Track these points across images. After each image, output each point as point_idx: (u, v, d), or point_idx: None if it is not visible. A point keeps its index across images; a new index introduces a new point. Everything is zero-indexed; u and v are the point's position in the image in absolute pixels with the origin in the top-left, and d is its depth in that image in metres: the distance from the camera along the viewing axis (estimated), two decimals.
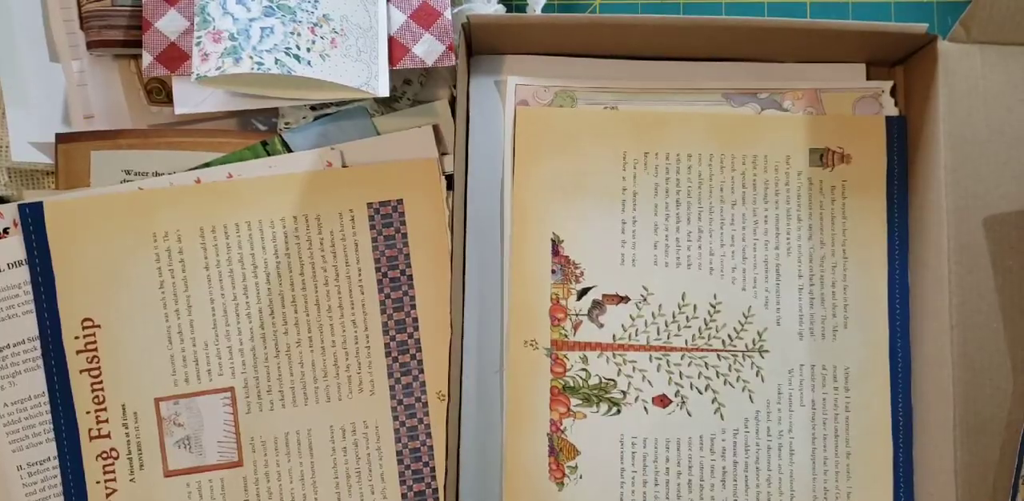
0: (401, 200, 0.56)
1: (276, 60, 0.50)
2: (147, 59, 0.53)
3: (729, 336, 0.55)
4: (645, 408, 0.54)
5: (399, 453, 0.56)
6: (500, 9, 0.57)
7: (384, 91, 0.53)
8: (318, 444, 0.55)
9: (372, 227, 0.56)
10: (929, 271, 0.53)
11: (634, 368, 0.54)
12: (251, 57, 0.50)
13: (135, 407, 0.55)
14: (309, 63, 0.51)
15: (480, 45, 0.55)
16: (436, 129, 0.57)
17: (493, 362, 0.54)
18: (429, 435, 0.56)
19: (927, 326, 0.53)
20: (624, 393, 0.54)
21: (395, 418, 0.56)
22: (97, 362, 0.55)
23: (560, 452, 0.54)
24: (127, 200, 0.55)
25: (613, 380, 0.54)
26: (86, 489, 0.54)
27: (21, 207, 0.54)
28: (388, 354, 0.56)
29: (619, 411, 0.54)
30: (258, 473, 0.55)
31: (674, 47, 0.55)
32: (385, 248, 0.56)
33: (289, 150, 0.56)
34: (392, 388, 0.56)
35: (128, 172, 0.56)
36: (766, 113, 0.56)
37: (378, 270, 0.56)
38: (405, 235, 0.56)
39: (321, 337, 0.56)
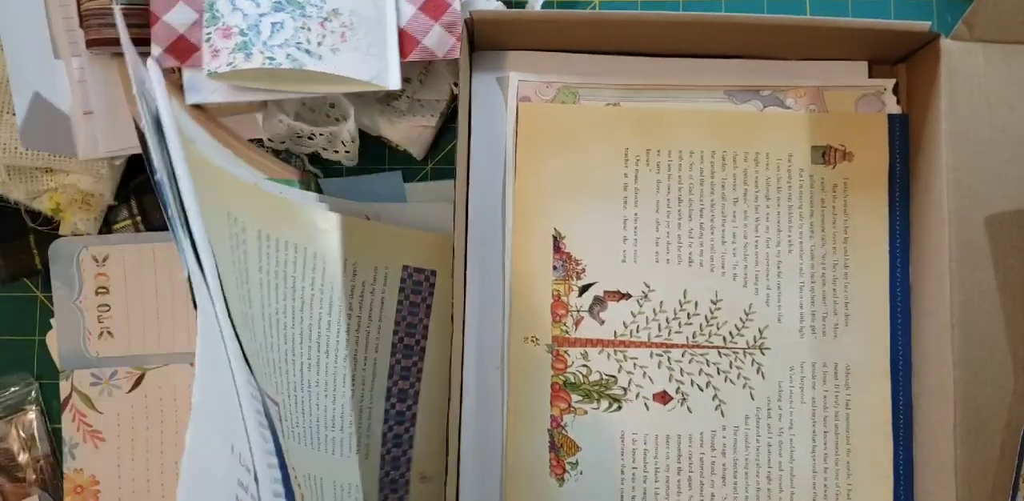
0: (435, 271, 0.56)
1: (287, 55, 0.50)
2: (156, 51, 0.53)
3: (730, 333, 0.55)
4: (646, 405, 0.54)
5: None
6: (499, 6, 0.57)
7: (395, 84, 0.53)
8: (326, 495, 0.52)
9: (401, 290, 0.55)
10: (930, 270, 0.53)
11: (635, 365, 0.54)
12: (262, 52, 0.50)
13: None
14: (320, 58, 0.51)
15: (482, 41, 0.55)
16: None
17: (494, 358, 0.54)
18: None
19: (928, 324, 0.53)
20: (625, 389, 0.54)
21: (380, 490, 0.54)
22: None
23: (561, 448, 0.54)
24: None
25: (614, 376, 0.54)
26: None
27: None
28: (386, 421, 0.54)
29: (620, 407, 0.54)
30: None
31: (677, 44, 0.55)
32: (408, 314, 0.55)
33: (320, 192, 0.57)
34: (383, 457, 0.54)
35: None
36: (768, 110, 0.56)
37: (395, 333, 0.55)
38: (429, 307, 0.56)
39: (335, 384, 0.53)
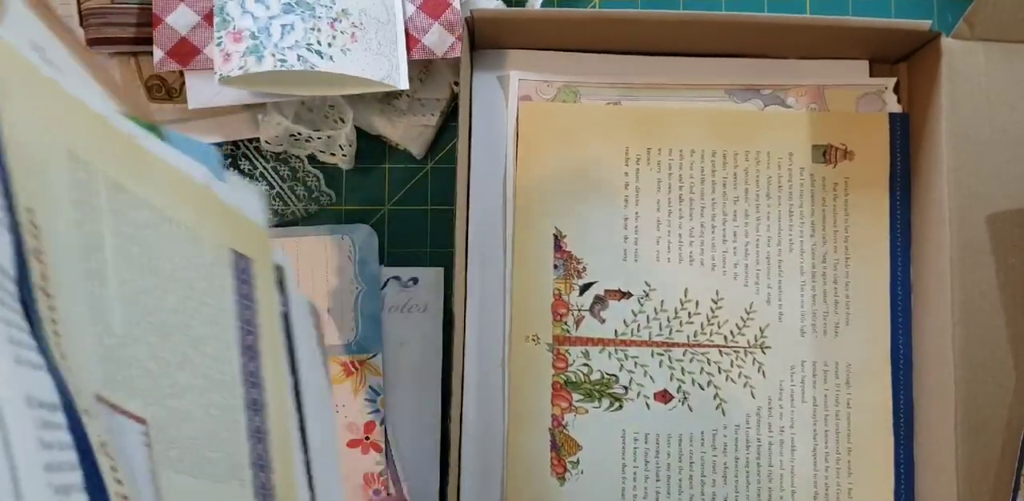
0: (251, 260, 0.43)
1: (298, 56, 0.50)
2: (158, 54, 0.53)
3: (731, 332, 0.55)
4: (647, 404, 0.54)
5: None
6: (499, 5, 0.57)
7: (404, 83, 0.53)
8: None
9: (235, 276, 0.42)
10: (931, 269, 0.53)
11: (636, 363, 0.54)
12: (273, 55, 0.50)
13: None
14: (331, 58, 0.51)
15: (483, 40, 0.55)
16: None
17: (495, 357, 0.54)
18: None
19: (929, 324, 0.53)
20: (626, 389, 0.54)
21: None
22: None
23: (562, 447, 0.54)
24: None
25: (615, 375, 0.54)
26: None
27: None
28: (249, 437, 0.41)
29: (620, 406, 0.54)
30: None
31: (677, 43, 0.55)
32: (244, 308, 0.42)
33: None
34: (254, 485, 0.40)
35: None
36: (769, 109, 0.56)
37: (239, 328, 0.42)
38: (255, 302, 0.43)
39: (207, 388, 0.39)
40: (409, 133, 0.58)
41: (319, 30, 0.51)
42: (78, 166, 0.34)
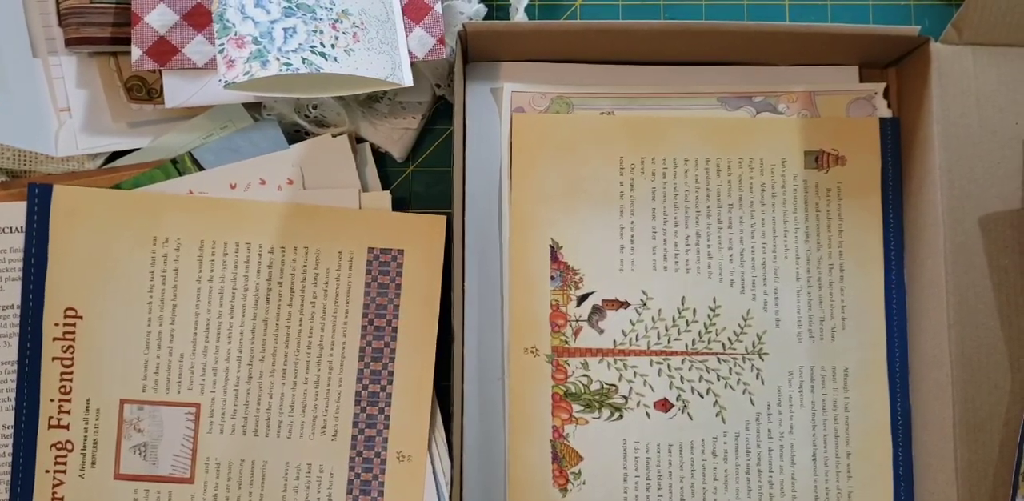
0: (402, 251, 0.56)
1: (303, 59, 0.49)
2: (136, 53, 0.53)
3: (729, 339, 0.55)
4: (647, 413, 0.54)
5: None
6: (481, 9, 0.57)
7: (408, 81, 0.53)
8: (271, 477, 0.55)
9: (368, 272, 0.56)
10: (925, 271, 0.53)
11: (635, 373, 0.54)
12: (278, 59, 0.49)
13: (99, 404, 0.54)
14: (336, 59, 0.50)
15: (475, 52, 0.55)
16: (351, 136, 0.57)
17: (494, 369, 0.54)
18: (381, 494, 0.54)
19: (924, 326, 0.53)
20: (625, 398, 0.54)
21: (351, 469, 0.55)
22: (71, 352, 0.54)
23: (563, 458, 0.54)
24: (136, 200, 0.55)
25: (614, 385, 0.54)
26: (34, 476, 0.54)
27: (31, 186, 0.54)
28: (357, 402, 0.55)
29: (621, 416, 0.54)
30: (207, 494, 0.54)
31: (669, 52, 0.55)
32: (377, 295, 0.56)
33: (200, 168, 0.56)
34: (354, 438, 0.55)
35: None
36: (761, 116, 0.56)
37: (365, 316, 0.56)
38: (399, 286, 0.56)
39: (296, 372, 0.55)
40: (391, 136, 0.58)
41: (321, 32, 0.51)
42: (162, 243, 0.55)
